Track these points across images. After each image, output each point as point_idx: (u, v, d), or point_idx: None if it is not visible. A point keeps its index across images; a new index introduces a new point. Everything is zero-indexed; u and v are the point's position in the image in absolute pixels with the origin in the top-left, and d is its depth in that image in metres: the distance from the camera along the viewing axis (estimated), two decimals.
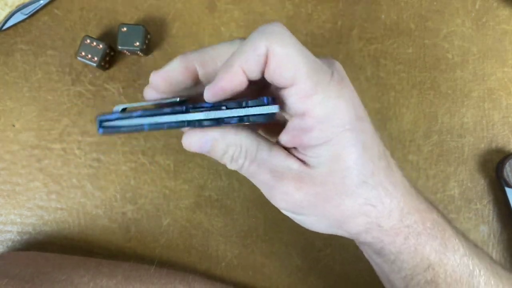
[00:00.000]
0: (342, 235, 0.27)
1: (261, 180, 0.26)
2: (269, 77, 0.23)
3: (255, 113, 0.23)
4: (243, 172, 0.26)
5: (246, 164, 0.25)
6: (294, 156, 0.25)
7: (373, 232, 0.26)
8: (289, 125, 0.25)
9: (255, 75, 0.23)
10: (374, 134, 0.26)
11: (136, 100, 0.45)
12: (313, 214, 0.26)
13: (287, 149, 0.26)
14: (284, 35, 0.23)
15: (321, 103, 0.23)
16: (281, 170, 0.25)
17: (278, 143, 0.26)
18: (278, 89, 0.24)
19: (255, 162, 0.25)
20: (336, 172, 0.24)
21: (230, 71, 0.23)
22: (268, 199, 0.26)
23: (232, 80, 0.23)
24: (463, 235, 0.29)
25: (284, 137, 0.25)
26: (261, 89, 0.27)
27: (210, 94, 0.24)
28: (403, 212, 0.26)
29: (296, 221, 0.27)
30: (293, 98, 0.23)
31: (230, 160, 0.26)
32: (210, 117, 0.24)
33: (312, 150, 0.24)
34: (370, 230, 0.26)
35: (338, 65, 0.26)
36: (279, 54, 0.22)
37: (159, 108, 0.25)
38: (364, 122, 0.25)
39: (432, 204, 0.29)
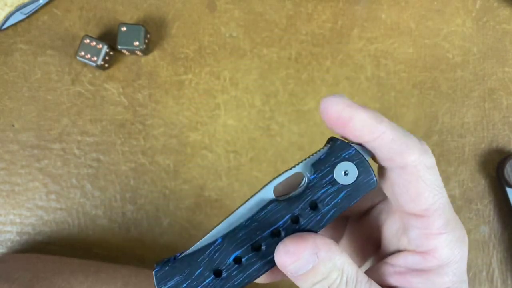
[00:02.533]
0: None
1: None
2: (398, 195, 0.20)
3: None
4: None
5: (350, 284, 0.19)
6: None
7: None
8: (401, 260, 0.21)
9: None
10: None
11: (137, 100, 0.45)
12: None
13: None
14: (433, 158, 0.20)
15: (448, 246, 0.20)
16: None
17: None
18: (401, 213, 0.21)
19: (359, 284, 0.20)
20: None
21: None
22: None
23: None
24: None
25: (394, 277, 0.21)
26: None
27: None
28: None
29: None
30: (419, 231, 0.20)
31: (323, 285, 0.19)
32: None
33: None
34: None
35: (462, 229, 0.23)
36: (426, 178, 0.19)
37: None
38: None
39: None
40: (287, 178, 0.19)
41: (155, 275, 0.19)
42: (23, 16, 0.44)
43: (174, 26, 0.45)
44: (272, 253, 0.19)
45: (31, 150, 0.44)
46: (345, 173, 0.19)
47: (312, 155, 0.19)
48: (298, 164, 0.19)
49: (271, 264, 0.19)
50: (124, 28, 0.42)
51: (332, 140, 0.20)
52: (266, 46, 0.45)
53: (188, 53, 0.45)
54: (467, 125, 0.44)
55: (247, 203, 0.19)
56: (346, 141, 0.20)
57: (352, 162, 0.19)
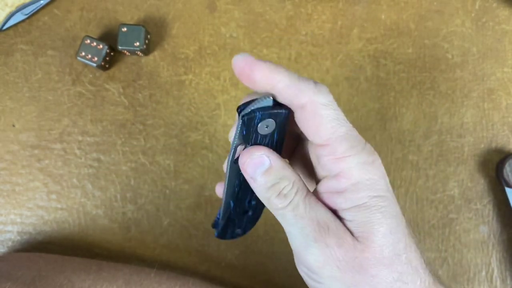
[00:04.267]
0: None
1: (303, 228, 0.24)
2: (305, 130, 0.24)
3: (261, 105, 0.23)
4: (285, 213, 0.24)
5: (295, 200, 0.24)
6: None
7: None
8: (323, 186, 0.25)
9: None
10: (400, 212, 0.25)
11: (138, 100, 0.45)
12: (339, 282, 0.24)
13: None
14: (329, 96, 0.24)
15: (356, 166, 0.23)
16: (327, 222, 0.24)
17: None
18: (314, 145, 0.24)
19: (304, 203, 0.24)
20: (373, 240, 0.23)
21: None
22: (297, 252, 0.25)
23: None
24: None
25: (324, 199, 0.25)
26: (296, 144, 0.28)
27: None
28: None
29: (310, 283, 0.26)
30: (327, 158, 0.24)
31: (278, 193, 0.24)
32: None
33: (346, 213, 0.24)
34: None
35: (375, 154, 0.25)
36: (322, 113, 0.23)
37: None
38: (393, 196, 0.25)
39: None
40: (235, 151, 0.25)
41: (218, 236, 0.29)
42: (24, 17, 0.44)
43: (175, 27, 0.45)
44: None
45: (32, 150, 0.44)
46: (266, 126, 0.24)
47: (236, 131, 0.24)
48: (234, 141, 0.24)
49: None
50: (124, 29, 0.42)
51: (238, 113, 0.24)
52: (266, 46, 0.45)
53: (188, 54, 0.45)
54: (467, 125, 0.44)
55: (228, 176, 0.26)
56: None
57: (264, 118, 0.23)
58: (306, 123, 0.23)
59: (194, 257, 0.43)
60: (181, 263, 0.43)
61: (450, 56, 0.45)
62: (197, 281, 0.40)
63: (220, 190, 0.29)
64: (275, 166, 0.24)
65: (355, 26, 0.45)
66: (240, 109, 0.24)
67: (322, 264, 0.23)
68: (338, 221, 0.24)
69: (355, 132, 0.24)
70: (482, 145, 0.44)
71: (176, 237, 0.44)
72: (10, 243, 0.44)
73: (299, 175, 0.25)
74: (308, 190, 0.25)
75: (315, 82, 0.23)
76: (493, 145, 0.44)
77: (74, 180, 0.44)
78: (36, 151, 0.44)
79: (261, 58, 0.45)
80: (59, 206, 0.44)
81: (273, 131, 0.24)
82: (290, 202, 0.24)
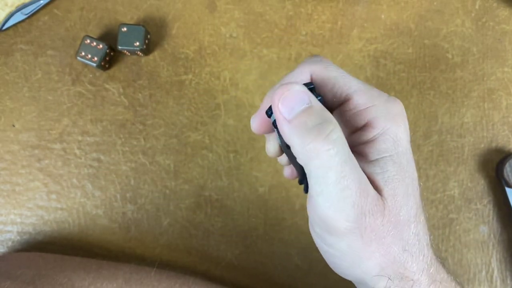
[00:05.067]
0: (364, 284, 0.24)
1: (344, 188, 0.21)
2: (329, 97, 0.24)
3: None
4: (330, 165, 0.21)
5: (345, 150, 0.21)
6: None
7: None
8: (351, 139, 0.24)
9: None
10: (416, 173, 0.25)
11: (138, 100, 0.45)
12: (355, 251, 0.23)
13: None
14: (327, 62, 0.25)
15: (382, 116, 0.23)
16: (367, 186, 0.22)
17: None
18: (339, 111, 0.25)
19: (350, 159, 0.21)
20: (396, 198, 0.23)
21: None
22: (323, 213, 0.22)
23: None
24: None
25: (359, 150, 0.24)
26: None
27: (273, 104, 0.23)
28: (431, 277, 0.24)
29: (323, 247, 0.24)
30: (352, 112, 0.24)
31: (324, 136, 0.20)
32: None
33: (375, 165, 0.23)
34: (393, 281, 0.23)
35: (400, 104, 0.25)
36: (327, 79, 0.24)
37: None
38: (411, 154, 0.24)
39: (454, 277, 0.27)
40: None
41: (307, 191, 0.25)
42: (24, 17, 0.44)
43: (175, 27, 0.45)
44: None
45: (32, 150, 0.44)
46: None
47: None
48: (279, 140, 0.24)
49: None
50: (124, 29, 0.42)
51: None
52: (266, 46, 0.45)
53: (188, 54, 0.45)
54: (467, 125, 0.44)
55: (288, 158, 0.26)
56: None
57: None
58: (328, 88, 0.24)
59: (194, 257, 0.43)
60: (181, 263, 0.43)
61: (450, 56, 0.45)
62: (197, 280, 0.40)
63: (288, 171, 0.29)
64: (316, 106, 0.21)
65: (355, 26, 0.45)
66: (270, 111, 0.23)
67: (348, 231, 0.22)
68: (370, 185, 0.22)
69: (372, 87, 0.24)
70: (482, 145, 0.44)
71: (176, 237, 0.44)
72: (10, 243, 0.44)
73: None
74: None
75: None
76: (493, 145, 0.44)
77: (74, 180, 0.44)
78: (36, 151, 0.44)
79: (261, 58, 0.45)
80: (59, 206, 0.44)
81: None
82: (338, 152, 0.20)
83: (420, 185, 0.25)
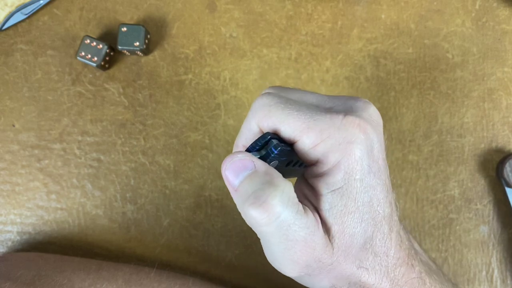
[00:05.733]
0: None
1: (290, 252, 0.22)
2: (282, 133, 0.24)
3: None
4: (268, 231, 0.22)
5: (286, 212, 0.21)
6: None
7: None
8: (310, 172, 0.24)
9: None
10: (387, 196, 0.24)
11: (138, 100, 0.45)
12: (303, 277, 0.25)
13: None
14: (268, 106, 0.23)
15: (331, 150, 0.22)
16: (314, 241, 0.23)
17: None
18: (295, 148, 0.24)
19: (298, 215, 0.22)
20: (343, 237, 0.23)
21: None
22: (272, 262, 0.24)
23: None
24: None
25: (313, 183, 0.24)
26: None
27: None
28: (393, 282, 0.25)
29: (303, 282, 0.26)
30: (301, 152, 0.23)
31: (260, 203, 0.21)
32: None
33: (325, 200, 0.23)
34: None
35: (364, 106, 0.24)
36: (272, 125, 0.23)
37: None
38: (379, 174, 0.24)
39: (427, 271, 0.27)
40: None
41: None
42: (24, 17, 0.44)
43: (175, 27, 0.45)
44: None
45: (32, 150, 0.44)
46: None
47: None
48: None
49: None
50: (124, 29, 0.42)
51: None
52: (266, 46, 0.45)
53: (188, 53, 0.45)
54: (467, 125, 0.44)
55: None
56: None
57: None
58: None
59: (194, 257, 0.43)
60: (181, 263, 0.43)
61: (450, 56, 0.45)
62: (197, 281, 0.40)
63: None
64: (259, 170, 0.22)
65: (355, 26, 0.45)
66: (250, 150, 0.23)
67: (295, 277, 0.24)
68: (319, 233, 0.23)
69: (322, 113, 0.23)
70: (483, 145, 0.44)
71: (176, 237, 0.44)
72: (9, 243, 0.44)
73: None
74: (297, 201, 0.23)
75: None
76: (493, 145, 0.44)
77: (74, 180, 0.44)
78: (36, 151, 0.44)
79: (261, 58, 0.45)
80: (59, 206, 0.44)
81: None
82: (276, 216, 0.21)
83: (391, 193, 0.25)
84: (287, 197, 0.21)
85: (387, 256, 0.25)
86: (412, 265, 0.26)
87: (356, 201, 0.23)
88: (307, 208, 0.23)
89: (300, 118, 0.22)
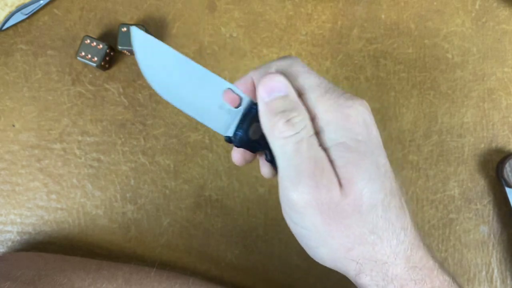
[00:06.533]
0: (342, 270, 0.26)
1: (299, 164, 0.24)
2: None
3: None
4: (287, 143, 0.24)
5: (301, 134, 0.24)
6: None
7: (375, 275, 0.24)
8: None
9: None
10: (387, 163, 0.25)
11: (138, 100, 0.45)
12: (317, 228, 0.24)
13: None
14: (297, 64, 0.26)
15: (329, 109, 0.24)
16: (323, 164, 0.24)
17: None
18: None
19: (308, 141, 0.24)
20: (354, 183, 0.24)
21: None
22: (285, 188, 0.24)
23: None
24: None
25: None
26: None
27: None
28: (409, 262, 0.24)
29: (293, 227, 0.26)
30: (307, 103, 0.25)
31: (286, 120, 0.24)
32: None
33: (331, 152, 0.24)
34: (372, 272, 0.24)
35: (359, 100, 0.26)
36: (292, 73, 0.25)
37: None
38: (377, 145, 0.25)
39: (442, 265, 0.27)
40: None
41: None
42: (24, 17, 0.44)
43: (175, 27, 0.45)
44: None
45: (32, 150, 0.44)
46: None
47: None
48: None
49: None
50: (124, 29, 0.42)
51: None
52: (266, 46, 0.45)
53: (188, 53, 0.45)
54: (467, 125, 0.44)
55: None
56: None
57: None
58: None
59: (194, 257, 0.43)
60: (181, 263, 0.43)
61: (450, 56, 0.45)
62: (197, 280, 0.40)
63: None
64: (291, 96, 0.25)
65: (355, 26, 0.45)
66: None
67: (306, 204, 0.24)
68: (331, 166, 0.24)
69: (330, 84, 0.25)
70: (482, 145, 0.44)
71: (176, 237, 0.44)
72: (10, 243, 0.44)
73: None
74: (314, 132, 0.25)
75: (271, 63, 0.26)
76: (493, 145, 0.44)
77: (74, 180, 0.44)
78: (36, 151, 0.44)
79: (261, 58, 0.45)
80: (59, 206, 0.44)
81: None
82: (296, 134, 0.24)
83: (391, 174, 0.25)
84: (305, 123, 0.24)
85: (404, 230, 0.24)
86: (428, 251, 0.26)
87: (363, 159, 0.24)
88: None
89: (318, 77, 0.25)
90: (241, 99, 0.26)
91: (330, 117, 0.24)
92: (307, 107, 0.25)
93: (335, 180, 0.24)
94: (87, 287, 0.35)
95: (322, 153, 0.24)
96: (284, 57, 0.26)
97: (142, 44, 0.24)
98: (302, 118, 0.24)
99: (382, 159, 0.25)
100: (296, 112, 0.24)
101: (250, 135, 0.26)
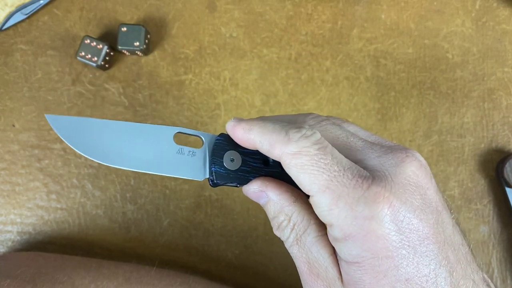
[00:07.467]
0: None
1: (297, 265, 0.23)
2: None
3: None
4: (286, 246, 0.23)
5: (290, 239, 0.23)
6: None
7: None
8: (327, 232, 0.23)
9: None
10: (440, 266, 0.20)
11: (138, 100, 0.45)
12: None
13: None
14: (303, 142, 0.21)
15: (346, 220, 0.20)
16: (318, 268, 0.22)
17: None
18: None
19: (299, 242, 0.23)
20: None
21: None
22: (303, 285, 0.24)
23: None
24: None
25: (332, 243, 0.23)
26: None
27: None
28: None
29: None
30: (317, 209, 0.21)
31: (277, 227, 0.23)
32: None
33: (341, 263, 0.22)
34: None
35: (405, 164, 0.21)
36: (294, 164, 0.21)
37: None
38: (420, 244, 0.20)
39: None
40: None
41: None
42: (24, 17, 0.44)
43: (175, 27, 0.45)
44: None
45: (32, 150, 0.44)
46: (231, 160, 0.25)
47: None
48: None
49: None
50: (124, 29, 0.42)
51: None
52: (266, 46, 0.45)
53: (188, 54, 0.45)
54: (467, 125, 0.44)
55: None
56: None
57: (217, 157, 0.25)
58: (291, 175, 0.22)
59: (194, 257, 0.43)
60: (181, 263, 0.43)
61: (450, 56, 0.45)
62: (197, 279, 0.40)
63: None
64: (272, 199, 0.23)
65: (355, 26, 0.45)
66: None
67: None
68: (335, 269, 0.22)
69: (348, 176, 0.20)
70: (482, 145, 0.44)
71: (176, 237, 0.44)
72: (10, 243, 0.44)
73: (306, 204, 0.23)
74: (319, 225, 0.23)
75: (288, 130, 0.22)
76: (493, 145, 0.44)
77: (74, 180, 0.44)
78: (36, 151, 0.44)
79: (261, 58, 0.45)
80: (59, 206, 0.44)
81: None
82: (287, 239, 0.23)
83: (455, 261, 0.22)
84: (294, 222, 0.23)
85: None
86: None
87: (377, 279, 0.20)
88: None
89: (323, 171, 0.20)
90: (200, 137, 0.25)
91: (347, 231, 0.20)
92: (315, 209, 0.22)
93: (335, 285, 0.22)
94: (87, 285, 0.35)
95: (316, 253, 0.22)
96: (286, 132, 0.22)
97: (64, 127, 0.23)
98: (289, 220, 0.23)
99: (425, 257, 0.20)
100: (282, 216, 0.23)
101: (227, 166, 0.25)
